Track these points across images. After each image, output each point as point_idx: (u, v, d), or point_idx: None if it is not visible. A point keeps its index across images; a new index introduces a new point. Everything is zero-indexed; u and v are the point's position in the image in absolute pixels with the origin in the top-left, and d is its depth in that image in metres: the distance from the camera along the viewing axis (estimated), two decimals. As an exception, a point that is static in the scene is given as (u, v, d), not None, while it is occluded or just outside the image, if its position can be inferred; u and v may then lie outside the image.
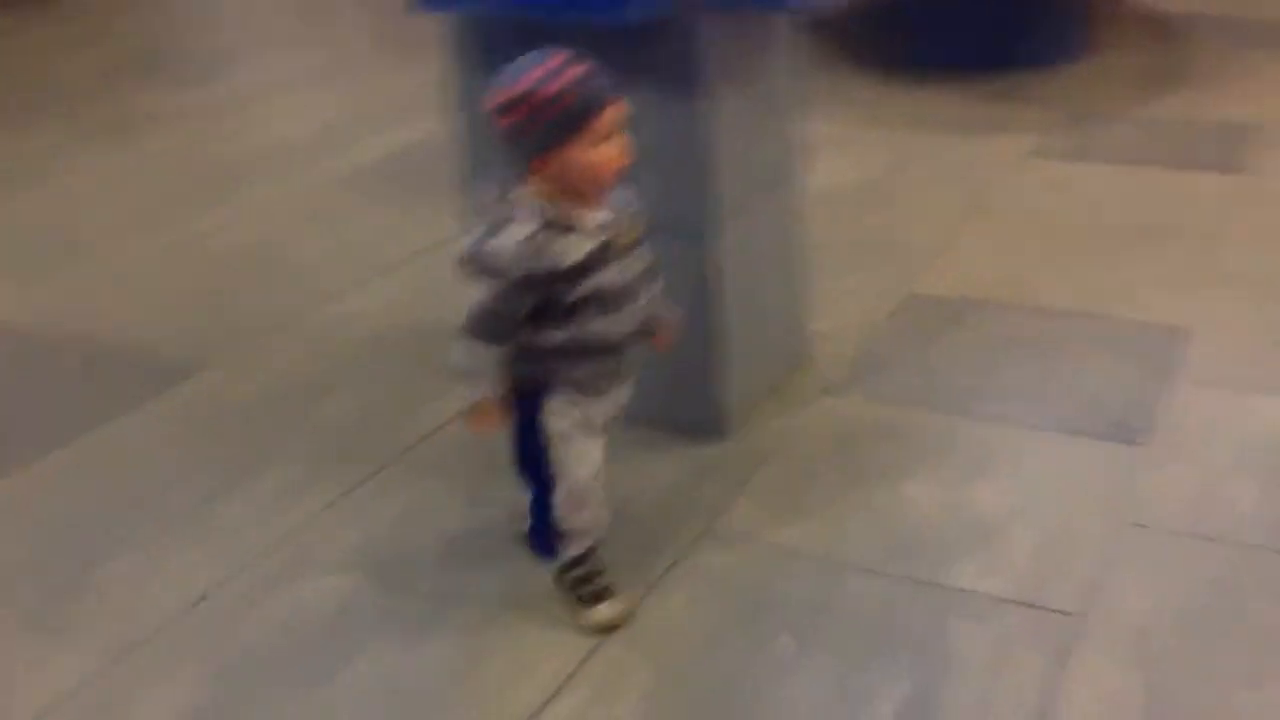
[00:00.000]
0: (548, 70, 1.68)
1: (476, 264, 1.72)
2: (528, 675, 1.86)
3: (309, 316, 3.08)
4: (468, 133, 2.43)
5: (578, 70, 1.69)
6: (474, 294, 1.73)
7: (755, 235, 2.48)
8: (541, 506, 1.93)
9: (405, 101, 4.51)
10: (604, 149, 1.71)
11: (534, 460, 1.89)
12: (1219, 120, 4.01)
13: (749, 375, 2.50)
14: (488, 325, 1.74)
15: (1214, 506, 2.15)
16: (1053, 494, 2.21)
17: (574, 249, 1.73)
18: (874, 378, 2.63)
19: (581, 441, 1.85)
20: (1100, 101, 4.29)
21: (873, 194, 3.61)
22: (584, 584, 1.95)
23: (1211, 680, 1.77)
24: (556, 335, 1.77)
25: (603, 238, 1.76)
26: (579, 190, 1.74)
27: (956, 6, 4.56)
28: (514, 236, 1.71)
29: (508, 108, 1.69)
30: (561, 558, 1.95)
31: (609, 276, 1.76)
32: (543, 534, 1.97)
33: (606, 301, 1.78)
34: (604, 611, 1.94)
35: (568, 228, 1.73)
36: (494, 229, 1.72)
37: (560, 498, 1.89)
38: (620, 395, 1.89)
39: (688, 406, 2.45)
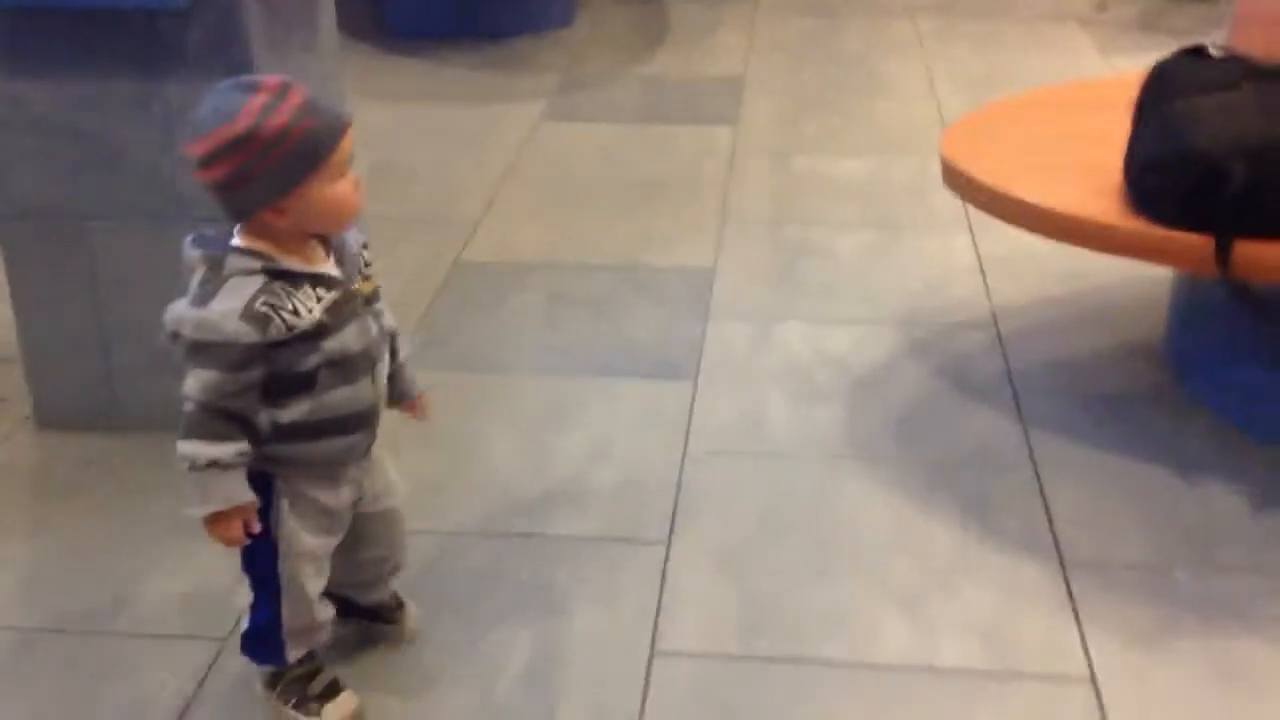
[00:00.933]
0: (264, 101, 1.42)
1: (189, 342, 1.44)
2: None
3: None
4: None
5: (298, 96, 1.45)
6: (189, 381, 1.45)
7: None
8: (265, 608, 1.65)
9: None
10: (343, 182, 1.48)
11: (260, 558, 1.61)
12: (712, 75, 4.37)
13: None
14: (216, 416, 1.45)
15: (759, 426, 2.38)
16: (623, 435, 2.36)
17: (308, 306, 1.48)
18: (436, 348, 2.67)
19: (315, 540, 1.61)
20: (598, 64, 4.54)
21: (400, 168, 3.63)
22: (308, 682, 1.69)
23: (789, 579, 1.98)
24: (290, 413, 1.51)
25: (337, 291, 1.52)
26: (317, 233, 1.52)
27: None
28: (233, 301, 1.44)
29: (223, 153, 1.42)
30: (281, 661, 1.68)
31: (349, 336, 1.52)
32: (263, 637, 1.67)
33: (348, 366, 1.53)
34: (337, 709, 1.69)
35: (296, 283, 1.48)
36: (204, 294, 1.44)
37: (290, 601, 1.62)
38: (361, 476, 1.65)
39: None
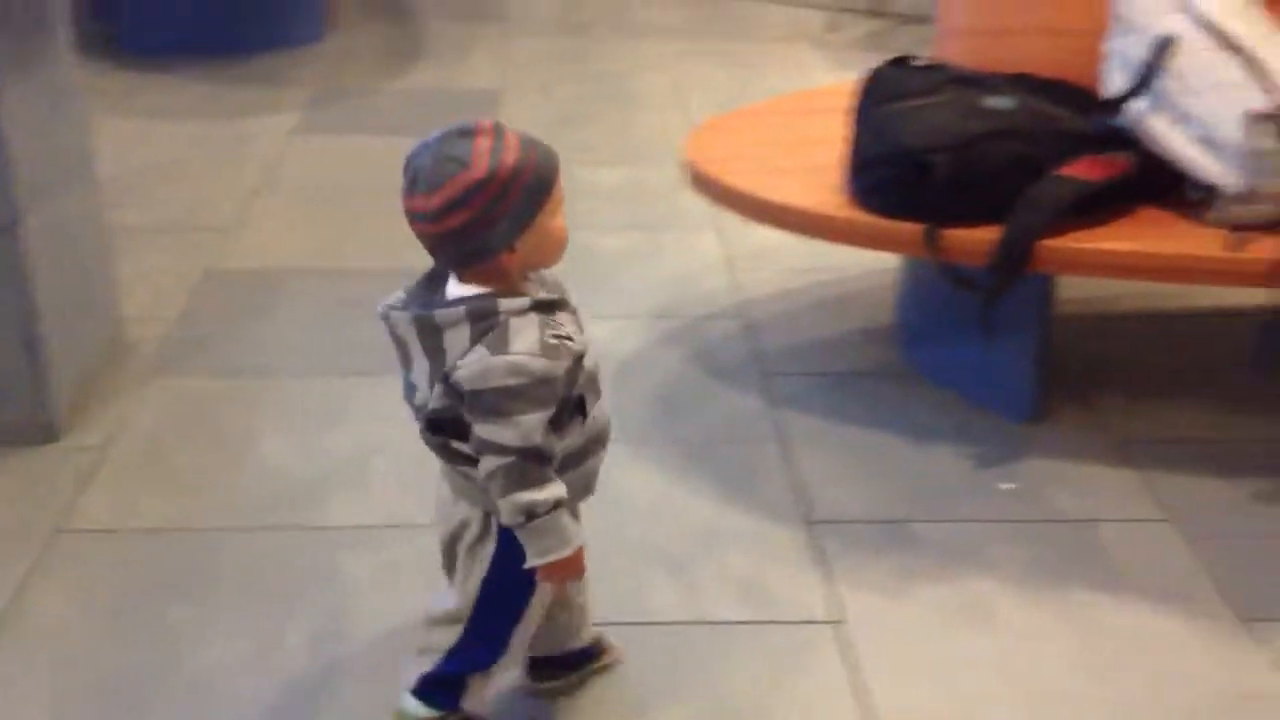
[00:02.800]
0: (490, 144, 1.41)
1: (502, 389, 1.39)
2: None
3: None
4: None
5: (513, 134, 1.43)
6: (505, 432, 1.40)
7: (58, 227, 2.42)
8: (473, 654, 1.61)
9: None
10: (560, 214, 1.47)
11: (511, 601, 1.58)
12: (466, 89, 4.47)
13: (71, 372, 2.44)
14: (538, 459, 1.42)
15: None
16: (396, 429, 2.42)
17: (571, 330, 1.46)
18: (202, 354, 2.68)
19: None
20: (353, 78, 4.58)
21: (147, 180, 3.58)
22: None
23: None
24: (569, 440, 1.49)
25: (571, 311, 1.51)
26: (540, 266, 1.50)
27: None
28: (526, 340, 1.40)
29: (465, 199, 1.40)
30: (456, 707, 1.64)
31: (590, 352, 1.50)
32: (454, 683, 1.63)
33: (596, 381, 1.53)
34: None
35: (552, 311, 1.46)
36: (495, 342, 1.40)
37: (514, 648, 1.61)
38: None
39: (8, 413, 2.34)
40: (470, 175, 1.39)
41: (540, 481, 1.43)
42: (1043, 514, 2.20)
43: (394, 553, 2.08)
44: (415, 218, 1.44)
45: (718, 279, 3.08)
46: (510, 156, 1.41)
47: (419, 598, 1.95)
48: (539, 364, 1.40)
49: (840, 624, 1.94)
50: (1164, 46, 2.22)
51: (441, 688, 1.63)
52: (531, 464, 1.42)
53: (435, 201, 1.41)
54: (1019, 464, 2.34)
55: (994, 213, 2.21)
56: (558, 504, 1.44)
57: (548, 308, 1.45)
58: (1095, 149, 2.28)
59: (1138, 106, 2.26)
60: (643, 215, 3.45)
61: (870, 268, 2.95)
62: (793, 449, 2.38)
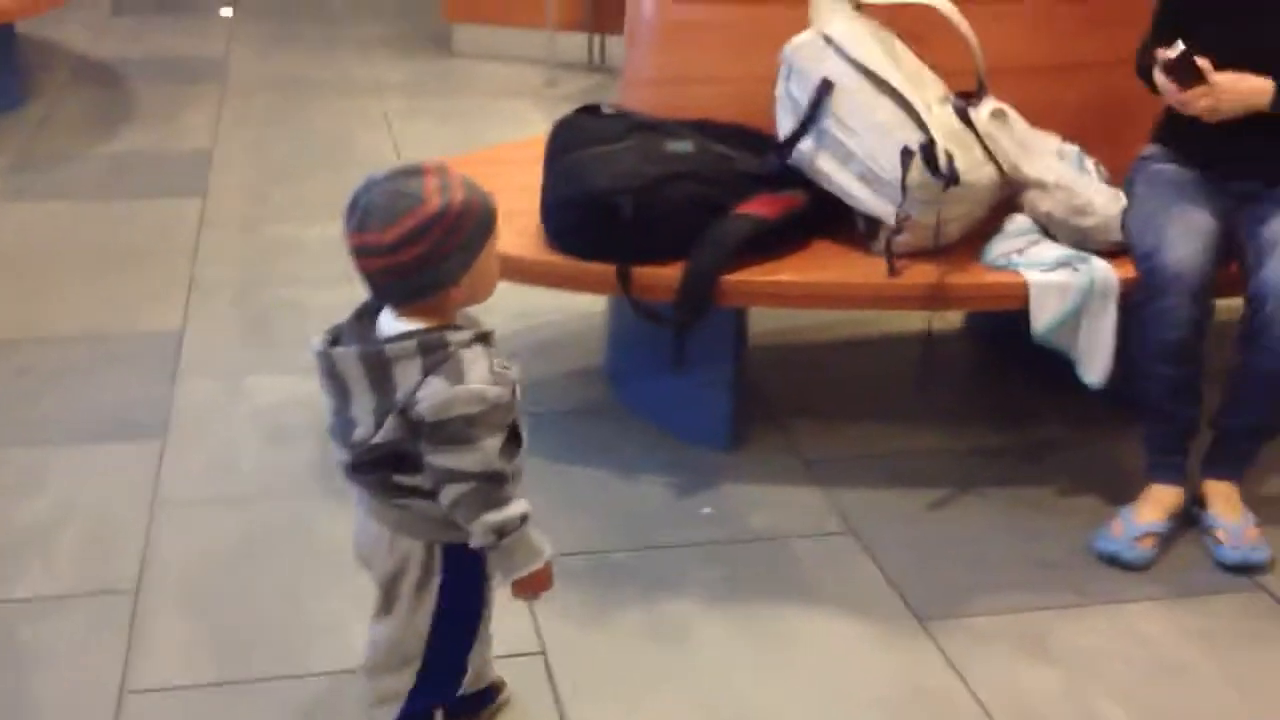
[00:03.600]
0: (438, 181, 1.46)
1: (465, 417, 1.44)
2: None
3: None
4: None
5: (455, 172, 1.50)
6: (469, 457, 1.45)
7: None
8: (436, 688, 1.66)
9: None
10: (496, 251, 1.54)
11: (463, 633, 1.64)
12: (176, 150, 4.36)
13: None
14: (499, 480, 1.48)
15: (230, 473, 2.46)
16: (92, 496, 2.35)
17: (505, 362, 1.53)
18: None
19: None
20: (56, 144, 4.41)
21: None
22: None
23: (269, 606, 2.07)
24: (512, 467, 1.52)
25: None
26: (479, 300, 1.55)
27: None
28: (478, 370, 1.46)
29: (419, 233, 1.44)
30: None
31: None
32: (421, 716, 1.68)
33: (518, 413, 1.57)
34: None
35: (488, 339, 1.52)
36: (451, 372, 1.45)
37: (470, 672, 1.68)
38: None
39: None
40: (426, 210, 1.45)
41: (504, 501, 1.49)
42: (738, 535, 2.30)
43: (84, 621, 2.01)
44: (367, 252, 1.47)
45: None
46: (458, 194, 1.47)
47: (107, 661, 1.90)
48: (494, 391, 1.47)
49: (540, 655, 1.98)
50: (824, 90, 2.38)
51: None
52: (494, 486, 1.48)
53: (390, 236, 1.45)
54: (718, 489, 2.44)
55: (679, 250, 2.31)
56: (523, 519, 1.51)
57: (486, 339, 1.52)
58: (771, 188, 2.43)
59: (807, 147, 2.42)
60: (351, 270, 3.42)
61: (582, 311, 3.04)
62: (501, 490, 2.42)
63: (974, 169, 2.33)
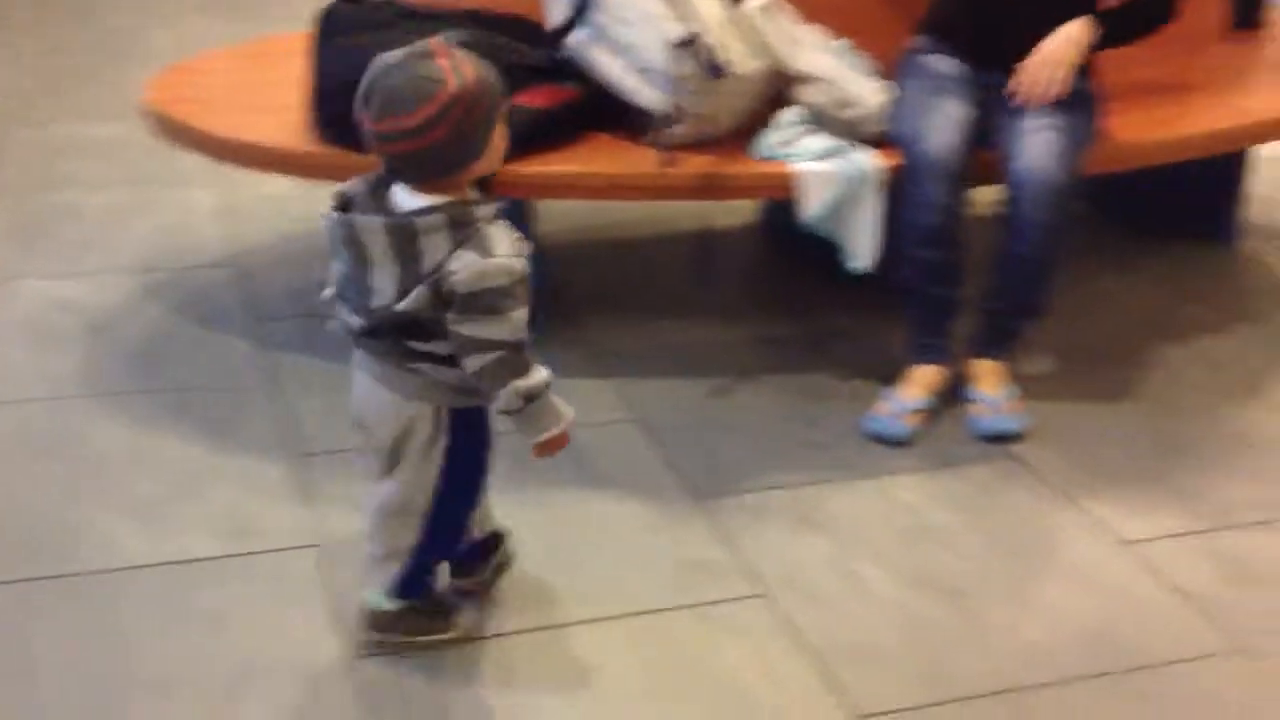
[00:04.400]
0: (449, 61, 1.49)
1: (498, 288, 1.50)
2: None
3: None
4: None
5: (459, 49, 1.52)
6: (502, 327, 1.51)
7: None
8: (440, 542, 1.74)
9: None
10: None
11: (470, 489, 1.73)
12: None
13: None
14: (526, 347, 1.55)
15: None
16: None
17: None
18: None
19: None
20: None
21: None
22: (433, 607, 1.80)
23: (30, 512, 2.02)
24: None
25: None
26: (493, 171, 1.58)
27: None
28: (504, 243, 1.52)
29: (443, 114, 1.47)
30: (426, 589, 1.77)
31: None
32: (422, 573, 1.76)
33: None
34: (465, 616, 1.82)
35: (501, 212, 1.56)
36: (481, 246, 1.50)
37: (470, 526, 1.78)
38: None
39: None
40: (447, 91, 1.48)
41: (530, 368, 1.56)
42: (524, 427, 2.32)
43: None
44: (391, 137, 1.50)
45: (212, 230, 3.01)
46: (469, 71, 1.50)
47: None
48: (519, 263, 1.53)
49: (318, 547, 1.97)
50: (596, -18, 2.37)
51: (414, 580, 1.74)
52: (522, 354, 1.55)
53: (417, 119, 1.48)
54: (506, 384, 2.45)
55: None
56: (547, 385, 1.58)
57: (500, 214, 1.56)
58: (546, 79, 2.42)
59: (581, 39, 2.41)
60: (134, 171, 3.31)
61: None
62: (285, 389, 2.39)
63: (743, 61, 2.36)
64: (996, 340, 2.39)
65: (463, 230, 1.51)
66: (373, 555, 1.74)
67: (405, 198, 1.54)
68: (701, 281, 2.47)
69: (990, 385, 2.36)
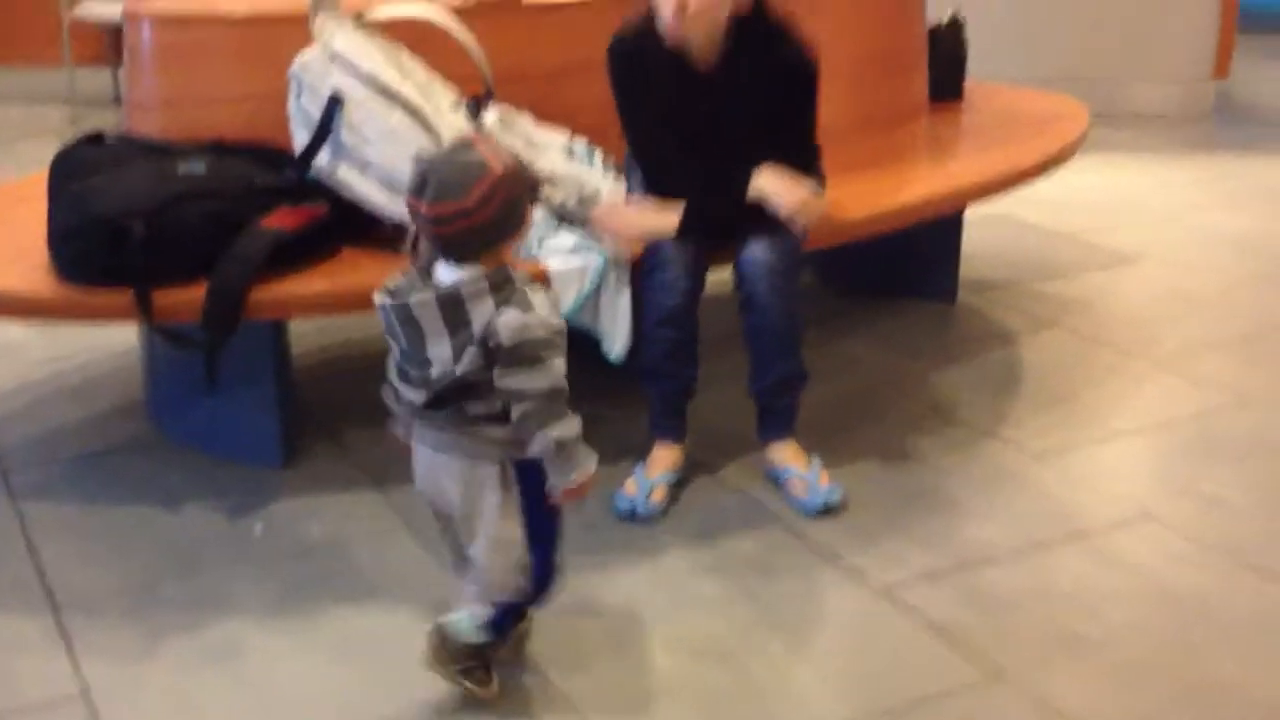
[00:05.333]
0: (489, 146, 1.72)
1: (540, 340, 1.69)
2: None
3: None
4: None
5: (490, 138, 1.88)
6: (543, 377, 1.69)
7: None
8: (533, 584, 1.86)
9: None
10: None
11: (551, 532, 1.85)
12: None
13: None
14: (565, 396, 1.72)
15: None
16: None
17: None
18: None
19: None
20: None
21: None
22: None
23: None
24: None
25: None
26: (523, 243, 1.80)
27: None
28: (543, 298, 1.71)
29: (494, 192, 1.68)
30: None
31: None
32: (511, 613, 1.91)
33: None
34: (496, 682, 1.92)
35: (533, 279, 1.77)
36: (521, 303, 1.69)
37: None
38: None
39: None
40: (493, 173, 1.68)
41: (566, 415, 1.72)
42: (293, 548, 2.30)
43: None
44: (447, 219, 1.68)
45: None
46: (506, 155, 1.72)
47: None
48: (556, 319, 1.71)
49: (84, 697, 1.90)
50: (335, 103, 2.42)
51: (505, 620, 1.90)
52: (559, 402, 1.71)
53: (470, 201, 1.67)
54: (272, 507, 2.42)
55: (202, 270, 2.29)
56: (578, 435, 1.73)
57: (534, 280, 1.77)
58: (293, 201, 2.44)
59: (326, 159, 2.45)
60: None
61: (116, 348, 2.93)
62: (36, 539, 2.31)
63: (486, 168, 2.44)
64: (779, 417, 2.48)
65: (503, 292, 1.69)
66: (474, 594, 1.87)
67: (447, 273, 1.72)
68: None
69: (799, 462, 2.45)
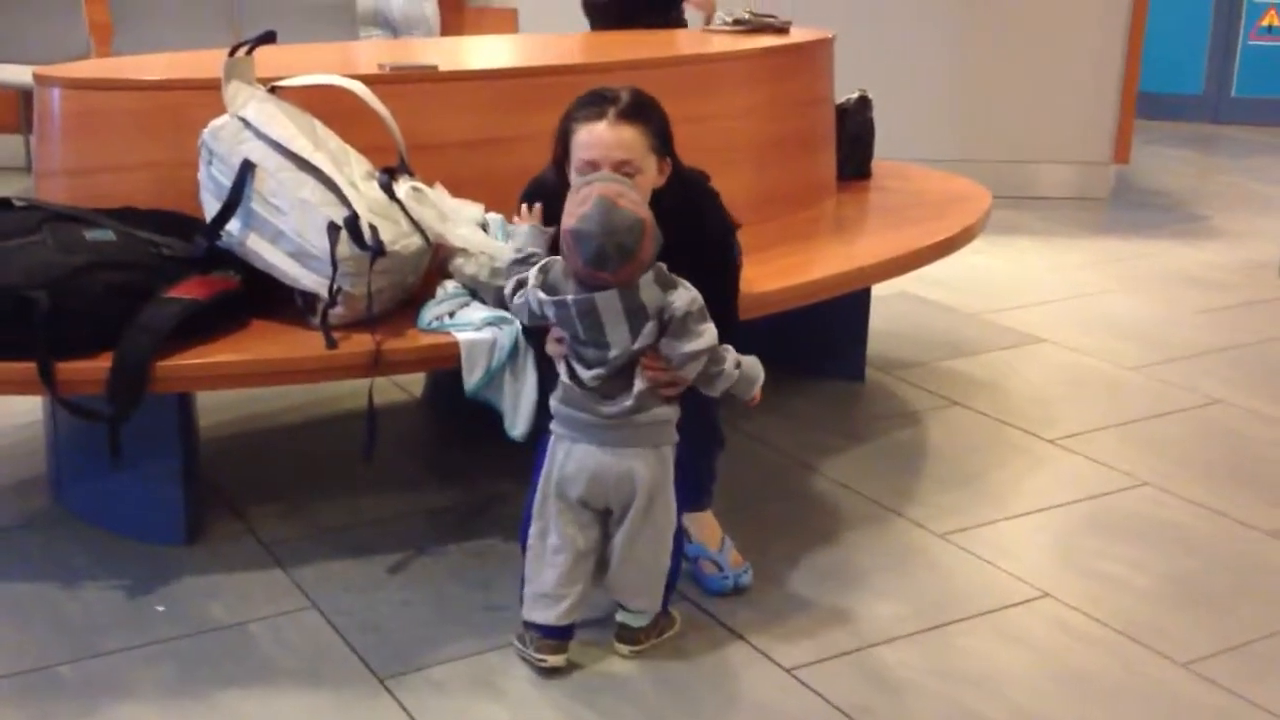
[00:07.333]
0: (627, 200, 2.07)
1: (701, 312, 2.11)
2: None
3: None
4: None
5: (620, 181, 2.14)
6: (699, 339, 2.08)
7: None
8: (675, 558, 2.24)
9: None
10: None
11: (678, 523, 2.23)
12: None
13: None
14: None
15: None
16: None
17: None
18: None
19: None
20: None
21: None
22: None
23: None
24: None
25: None
26: None
27: None
28: (683, 281, 2.12)
29: (649, 235, 2.06)
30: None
31: None
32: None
33: None
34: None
35: None
36: (678, 286, 2.10)
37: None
38: None
39: None
40: (647, 222, 2.06)
41: (726, 354, 2.13)
42: (194, 628, 2.25)
43: None
44: (631, 272, 2.05)
45: None
46: (630, 189, 2.09)
47: None
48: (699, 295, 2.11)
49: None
50: (246, 171, 2.41)
51: (670, 590, 2.24)
52: (720, 349, 2.12)
53: (644, 255, 2.06)
54: (174, 585, 2.37)
55: (107, 341, 2.25)
56: (739, 358, 2.15)
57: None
58: (202, 270, 2.42)
59: (236, 228, 2.43)
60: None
61: (18, 421, 2.86)
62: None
63: (400, 239, 2.43)
64: (695, 488, 2.41)
65: (663, 279, 2.08)
66: (624, 597, 2.20)
67: None
68: (363, 456, 2.48)
69: (712, 540, 2.43)
